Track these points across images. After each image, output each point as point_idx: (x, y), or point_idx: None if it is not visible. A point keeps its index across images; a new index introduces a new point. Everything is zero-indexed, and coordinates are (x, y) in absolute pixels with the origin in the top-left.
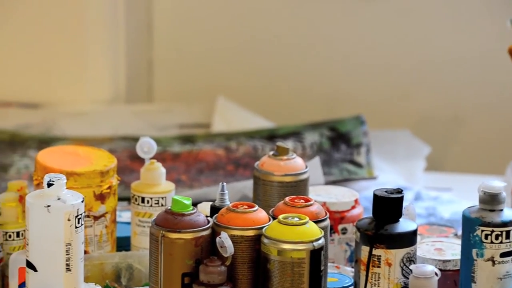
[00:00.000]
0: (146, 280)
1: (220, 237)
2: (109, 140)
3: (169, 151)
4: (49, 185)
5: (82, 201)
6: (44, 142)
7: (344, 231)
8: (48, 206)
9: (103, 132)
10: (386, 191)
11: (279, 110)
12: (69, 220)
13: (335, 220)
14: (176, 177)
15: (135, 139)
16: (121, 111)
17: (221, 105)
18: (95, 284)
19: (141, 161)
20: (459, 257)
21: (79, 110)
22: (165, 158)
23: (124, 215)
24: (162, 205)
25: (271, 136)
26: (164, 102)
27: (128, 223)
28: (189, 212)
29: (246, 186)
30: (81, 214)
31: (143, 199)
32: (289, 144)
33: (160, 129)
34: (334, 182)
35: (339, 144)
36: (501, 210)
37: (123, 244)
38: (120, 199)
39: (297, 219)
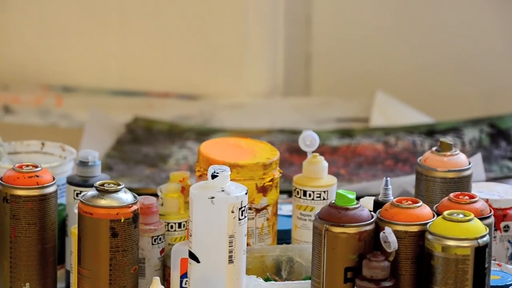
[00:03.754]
0: (307, 274)
1: (384, 232)
2: (266, 133)
3: (328, 145)
4: (213, 176)
5: (246, 193)
6: (202, 133)
7: (506, 228)
8: (212, 197)
9: (260, 124)
10: None
11: (437, 105)
12: (232, 212)
13: (498, 217)
14: (335, 171)
15: (293, 132)
16: (279, 104)
17: (379, 99)
18: (256, 277)
19: (299, 154)
20: None
21: (237, 102)
22: (324, 152)
23: (284, 208)
24: (324, 198)
25: (430, 131)
26: (322, 95)
27: (288, 216)
28: (353, 206)
29: (407, 181)
30: (244, 206)
31: (305, 193)
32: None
33: (318, 123)
34: (494, 179)
35: (499, 141)
36: None
37: (283, 237)
38: (280, 192)
39: (462, 215)
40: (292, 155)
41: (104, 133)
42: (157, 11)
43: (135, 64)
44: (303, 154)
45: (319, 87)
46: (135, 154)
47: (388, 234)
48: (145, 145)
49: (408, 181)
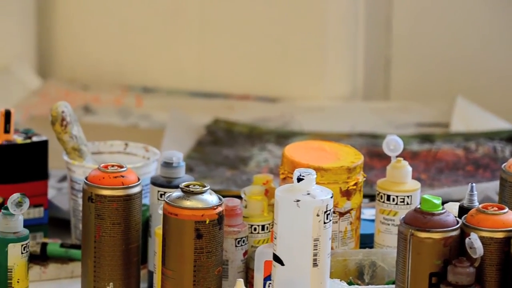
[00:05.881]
0: (389, 278)
1: (469, 238)
2: (346, 137)
3: (408, 150)
4: (299, 179)
5: (331, 197)
6: (282, 136)
7: None
8: (298, 200)
9: (340, 128)
10: None
11: None
12: (318, 215)
13: None
14: (415, 175)
15: (373, 136)
16: (358, 108)
17: (460, 104)
18: (340, 280)
19: (380, 158)
20: None
21: (316, 105)
22: (404, 157)
23: (366, 212)
24: (407, 203)
25: (511, 137)
26: (401, 100)
27: (370, 220)
28: (439, 211)
29: (489, 187)
30: (329, 210)
31: (388, 197)
32: None
33: (397, 127)
34: None
35: None
36: None
37: (365, 241)
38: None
39: None
40: (373, 159)
41: (184, 134)
42: (237, 13)
43: (215, 66)
44: (384, 159)
45: (399, 91)
46: (216, 156)
47: (474, 240)
48: (226, 147)
49: (490, 187)
